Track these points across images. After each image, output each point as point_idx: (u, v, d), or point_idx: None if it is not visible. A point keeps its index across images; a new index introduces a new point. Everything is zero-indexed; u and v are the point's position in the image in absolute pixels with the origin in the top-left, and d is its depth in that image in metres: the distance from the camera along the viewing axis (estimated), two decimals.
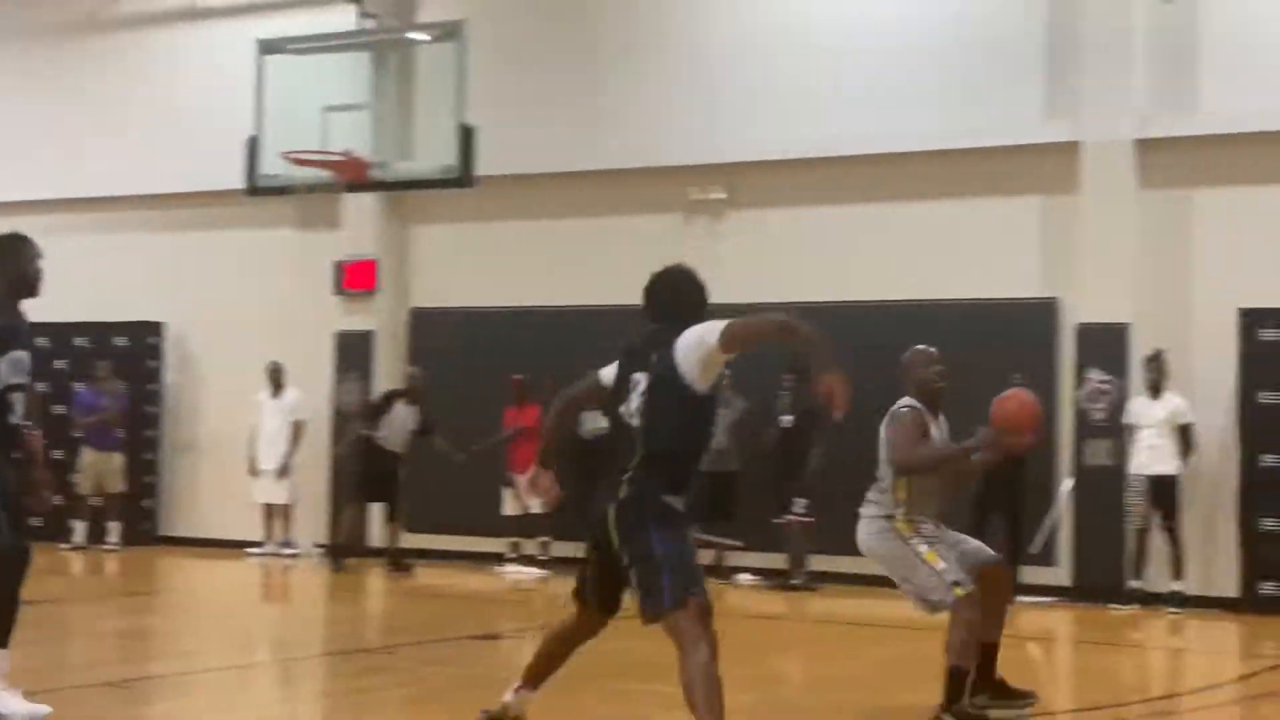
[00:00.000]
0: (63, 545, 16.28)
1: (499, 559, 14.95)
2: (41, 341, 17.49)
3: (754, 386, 14.22)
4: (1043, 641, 11.88)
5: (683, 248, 15.41)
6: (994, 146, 14.20)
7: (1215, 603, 13.11)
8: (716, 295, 16.35)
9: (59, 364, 17.38)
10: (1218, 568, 13.31)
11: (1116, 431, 13.46)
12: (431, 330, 16.35)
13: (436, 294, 16.46)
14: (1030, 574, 13.30)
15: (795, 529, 13.92)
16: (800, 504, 13.85)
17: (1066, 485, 13.67)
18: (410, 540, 15.19)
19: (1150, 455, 13.05)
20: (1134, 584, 13.09)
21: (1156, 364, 13.19)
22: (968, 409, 13.46)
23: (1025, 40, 14.23)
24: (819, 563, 13.95)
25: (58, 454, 16.54)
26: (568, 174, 15.82)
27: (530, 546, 15.01)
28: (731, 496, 14.37)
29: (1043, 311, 14.05)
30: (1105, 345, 13.61)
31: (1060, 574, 13.56)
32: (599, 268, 15.60)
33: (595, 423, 14.89)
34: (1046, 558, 13.67)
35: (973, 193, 14.41)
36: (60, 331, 17.54)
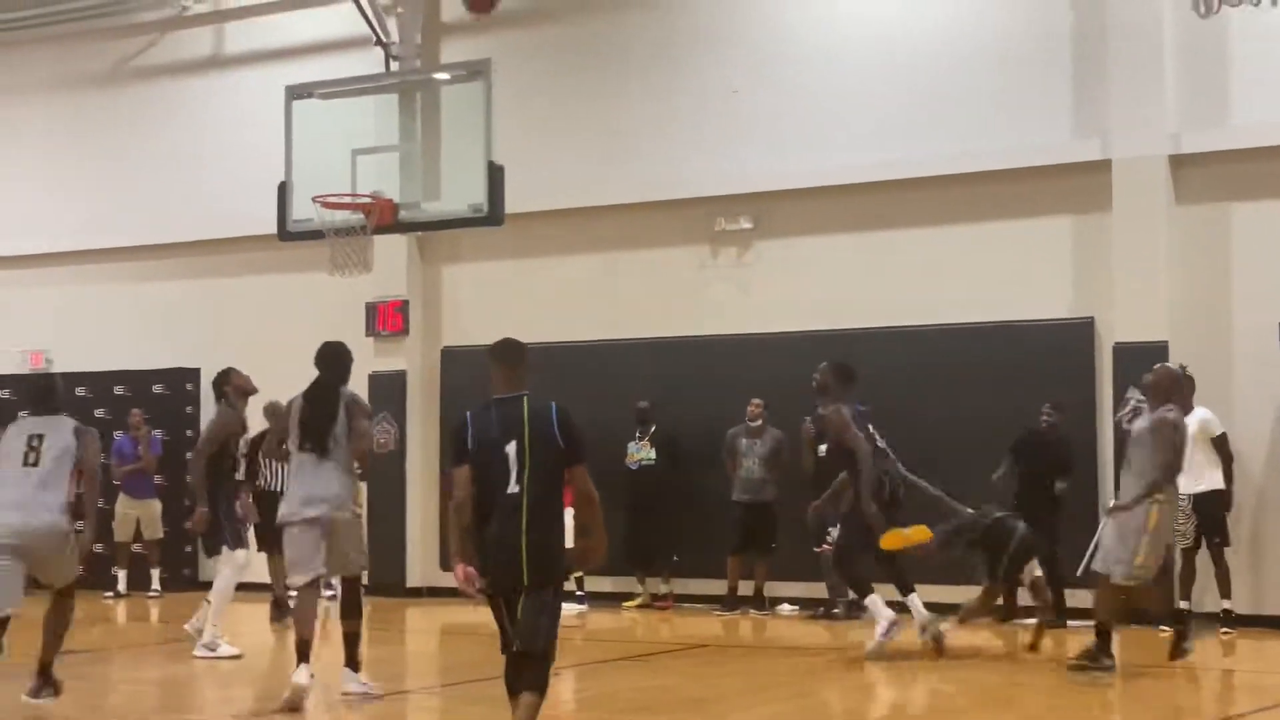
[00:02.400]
0: (107, 595, 16.32)
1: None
2: (80, 391, 17.69)
3: (787, 417, 14.15)
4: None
5: (710, 278, 15.46)
6: (1024, 167, 14.13)
7: (1266, 621, 12.93)
8: (745, 326, 16.57)
9: (99, 413, 17.45)
10: (1268, 585, 13.15)
11: None
12: (463, 369, 16.35)
13: (467, 333, 16.47)
14: (1076, 597, 13.16)
15: (827, 557, 13.79)
16: (834, 532, 13.71)
17: (1109, 506, 13.52)
18: (450, 579, 15.05)
19: (1192, 474, 12.88)
20: (1183, 604, 12.90)
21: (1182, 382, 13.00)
22: (1007, 432, 13.52)
23: (1053, 60, 14.17)
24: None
25: (101, 503, 16.61)
26: (594, 208, 15.83)
27: (568, 583, 14.92)
28: (768, 527, 14.30)
29: (1079, 332, 13.95)
30: (1144, 364, 13.40)
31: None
32: (627, 300, 15.60)
33: (642, 453, 14.90)
34: (1091, 580, 13.51)
35: (1004, 215, 14.33)
36: (99, 380, 17.67)
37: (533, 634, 6.71)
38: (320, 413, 9.53)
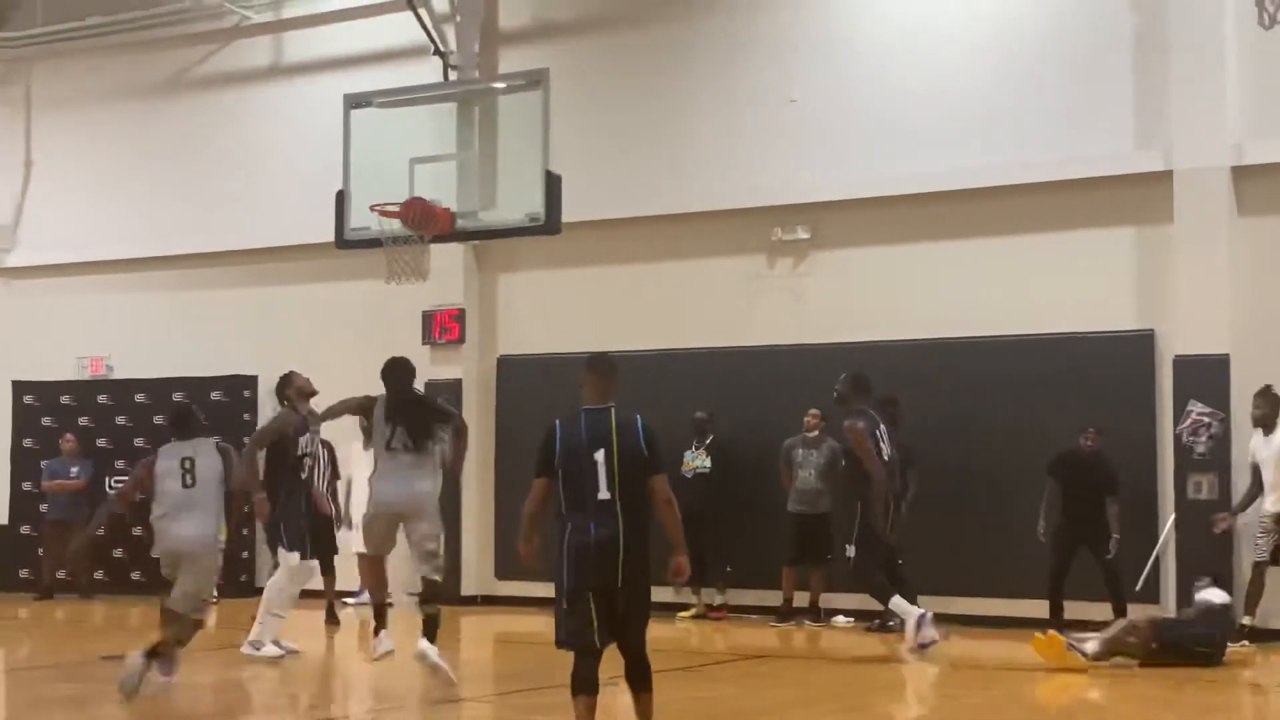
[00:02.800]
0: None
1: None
2: (140, 397, 17.86)
3: (834, 427, 14.07)
4: (1151, 680, 11.61)
5: (766, 289, 15.42)
6: (1085, 178, 14.02)
7: None
8: (802, 336, 16.51)
9: (157, 419, 17.60)
10: None
11: (1219, 465, 13.18)
12: (519, 378, 16.39)
13: (522, 341, 16.51)
14: (1134, 611, 13.04)
15: None
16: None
17: (1169, 521, 13.41)
18: (505, 587, 15.15)
19: (1278, 492, 12.71)
20: (1245, 620, 12.74)
21: (1265, 399, 12.86)
22: (1067, 444, 13.41)
23: (1114, 70, 14.05)
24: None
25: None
26: (650, 217, 15.83)
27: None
28: (824, 538, 14.24)
29: (1139, 344, 13.82)
30: (1205, 377, 13.34)
31: (1165, 611, 13.25)
32: (683, 310, 15.58)
33: (697, 462, 14.87)
34: (1151, 594, 13.40)
35: (1064, 226, 14.22)
36: (158, 387, 17.82)
37: (637, 634, 7.33)
38: (420, 414, 10.52)
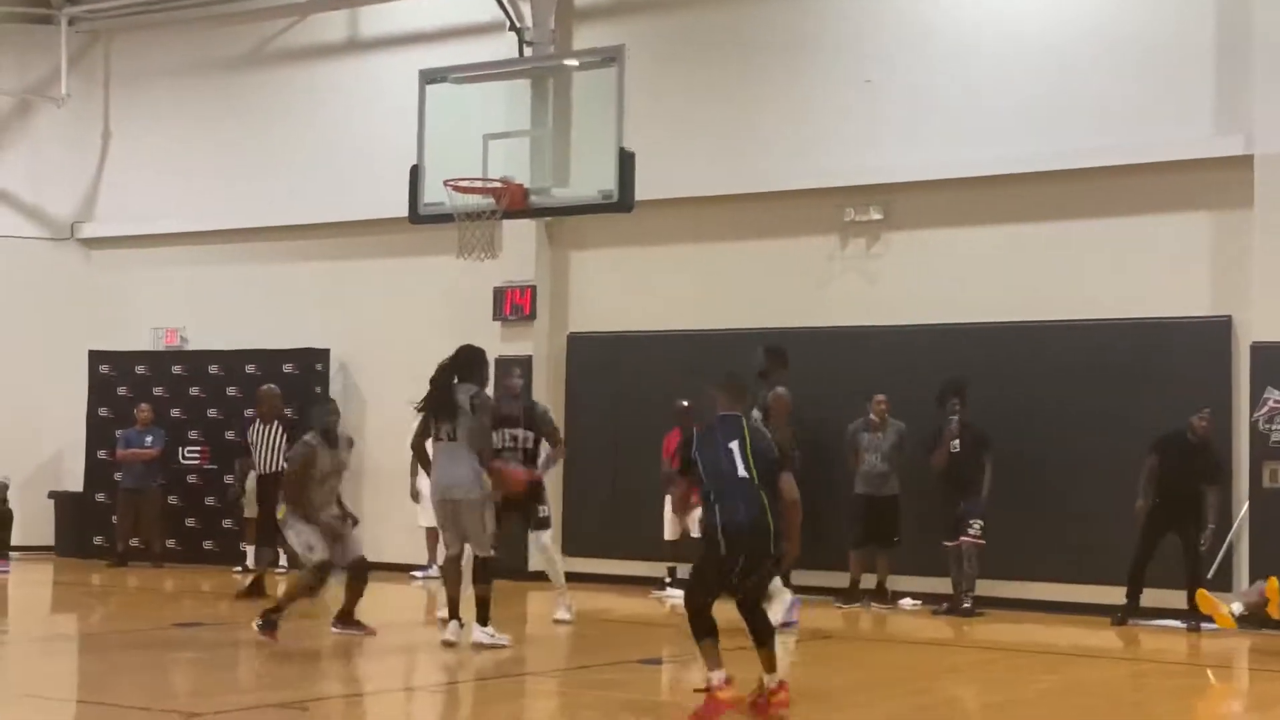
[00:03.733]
0: (235, 569, 16.64)
1: (659, 584, 14.90)
2: (213, 369, 18.05)
3: (917, 411, 14.04)
4: (1221, 669, 11.51)
5: (838, 270, 15.36)
6: (1164, 162, 13.84)
7: None
8: (873, 318, 16.45)
9: (231, 391, 17.79)
10: None
11: None
12: (589, 355, 16.42)
13: (593, 319, 16.53)
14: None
15: (969, 551, 13.65)
16: (975, 525, 13.61)
17: (1244, 509, 13.27)
18: (569, 564, 15.16)
19: None
20: None
21: None
22: (1139, 430, 13.28)
23: (1195, 52, 13.85)
24: (980, 587, 13.71)
25: (228, 479, 16.97)
26: (723, 197, 15.78)
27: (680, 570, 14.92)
28: (891, 520, 14.19)
29: (1216, 330, 13.65)
30: None
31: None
32: (754, 290, 15.54)
33: None
34: (1224, 583, 13.26)
35: (1141, 210, 14.05)
36: (231, 359, 18.01)
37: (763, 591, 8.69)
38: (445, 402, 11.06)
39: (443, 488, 11.06)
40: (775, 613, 11.87)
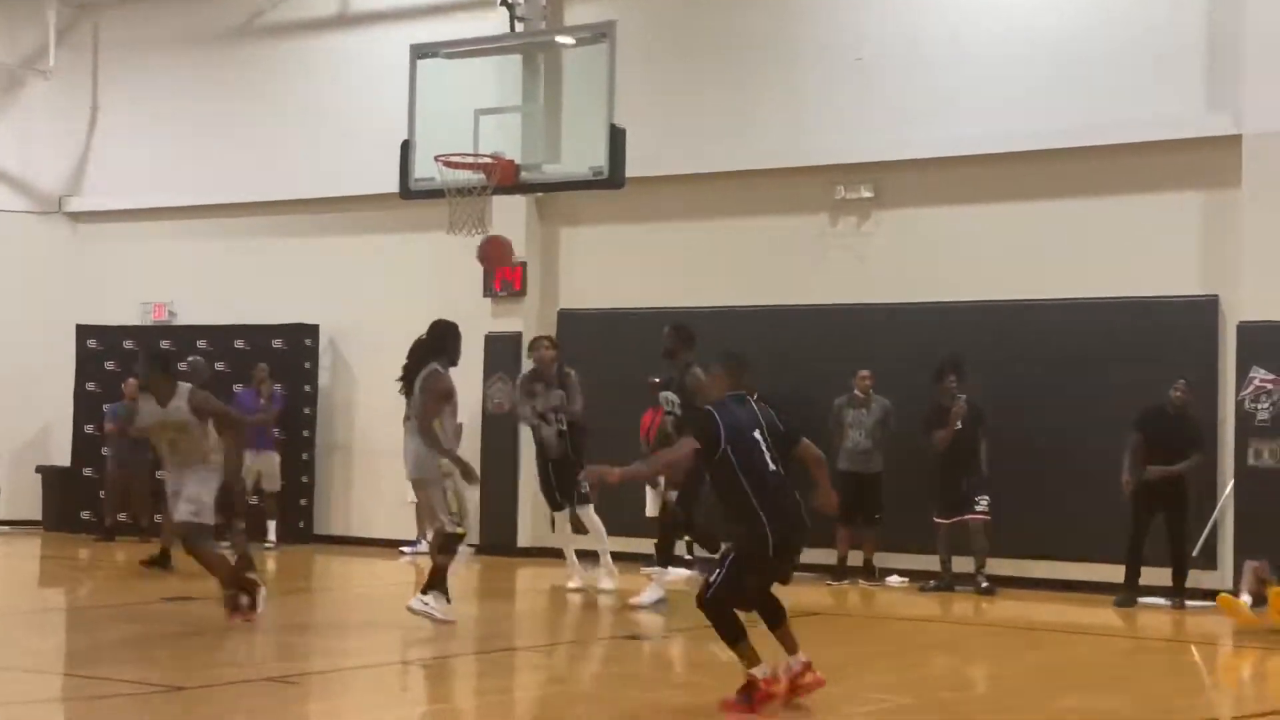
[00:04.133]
0: (223, 545, 16.60)
1: (647, 560, 14.92)
2: (202, 344, 18.03)
3: (907, 389, 14.07)
4: (1205, 646, 11.58)
5: (828, 247, 15.37)
6: (1152, 141, 13.87)
7: None
8: (862, 296, 16.42)
9: (220, 366, 17.78)
10: None
11: None
12: (579, 331, 16.42)
13: (583, 295, 16.53)
14: (1191, 578, 12.99)
15: (977, 527, 13.68)
16: (983, 501, 13.64)
17: (1228, 487, 13.33)
18: (552, 541, 15.17)
19: None
20: None
21: None
22: (1127, 407, 13.33)
23: (1183, 31, 13.87)
24: (963, 563, 13.76)
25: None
26: (713, 174, 15.79)
27: (678, 547, 14.93)
28: (875, 497, 14.24)
29: (1203, 309, 13.70)
30: (1268, 344, 13.22)
31: (1222, 578, 13.18)
32: (745, 268, 15.56)
33: None
34: (1208, 561, 13.33)
35: (1130, 189, 14.08)
36: (220, 334, 18.00)
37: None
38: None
39: (407, 468, 11.02)
40: (646, 594, 12.16)
